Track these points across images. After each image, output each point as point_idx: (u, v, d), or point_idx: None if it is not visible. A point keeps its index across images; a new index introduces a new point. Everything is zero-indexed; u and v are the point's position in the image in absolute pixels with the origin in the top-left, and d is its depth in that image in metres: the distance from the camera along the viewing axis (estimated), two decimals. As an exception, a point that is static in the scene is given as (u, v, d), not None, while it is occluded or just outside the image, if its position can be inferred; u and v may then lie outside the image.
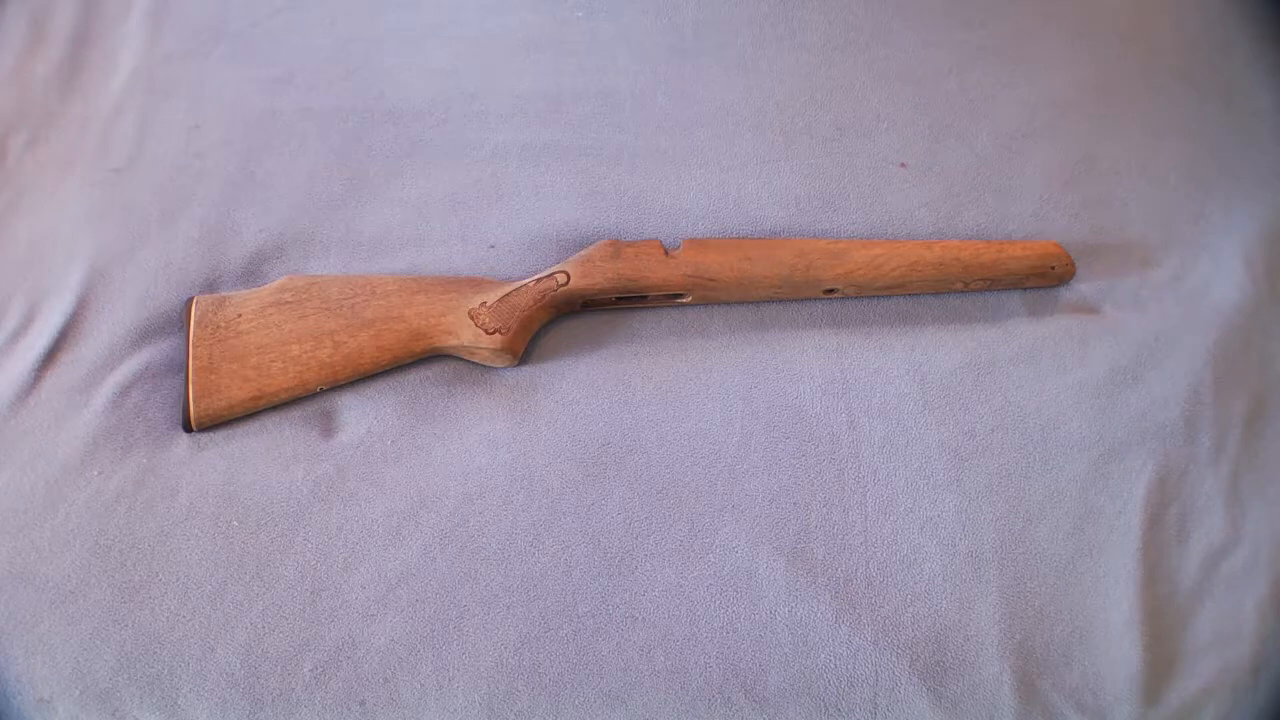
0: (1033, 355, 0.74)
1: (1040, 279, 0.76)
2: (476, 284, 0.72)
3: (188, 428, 0.68)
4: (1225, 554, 0.68)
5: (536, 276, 0.72)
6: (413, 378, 0.72)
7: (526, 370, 0.72)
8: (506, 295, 0.71)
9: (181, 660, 0.62)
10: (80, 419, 0.68)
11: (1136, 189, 0.81)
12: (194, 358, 0.68)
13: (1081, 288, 0.77)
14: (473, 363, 0.72)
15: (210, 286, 0.74)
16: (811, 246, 0.74)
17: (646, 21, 0.88)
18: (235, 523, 0.66)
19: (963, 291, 0.76)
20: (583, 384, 0.72)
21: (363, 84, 0.84)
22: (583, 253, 0.73)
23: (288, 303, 0.71)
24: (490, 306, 0.70)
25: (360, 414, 0.70)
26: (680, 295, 0.73)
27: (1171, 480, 0.70)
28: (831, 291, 0.74)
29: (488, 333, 0.70)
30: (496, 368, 0.72)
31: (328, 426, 0.70)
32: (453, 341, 0.70)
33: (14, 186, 0.77)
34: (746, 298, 0.75)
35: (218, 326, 0.69)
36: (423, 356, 0.71)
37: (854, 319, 0.75)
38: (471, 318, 0.70)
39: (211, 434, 0.68)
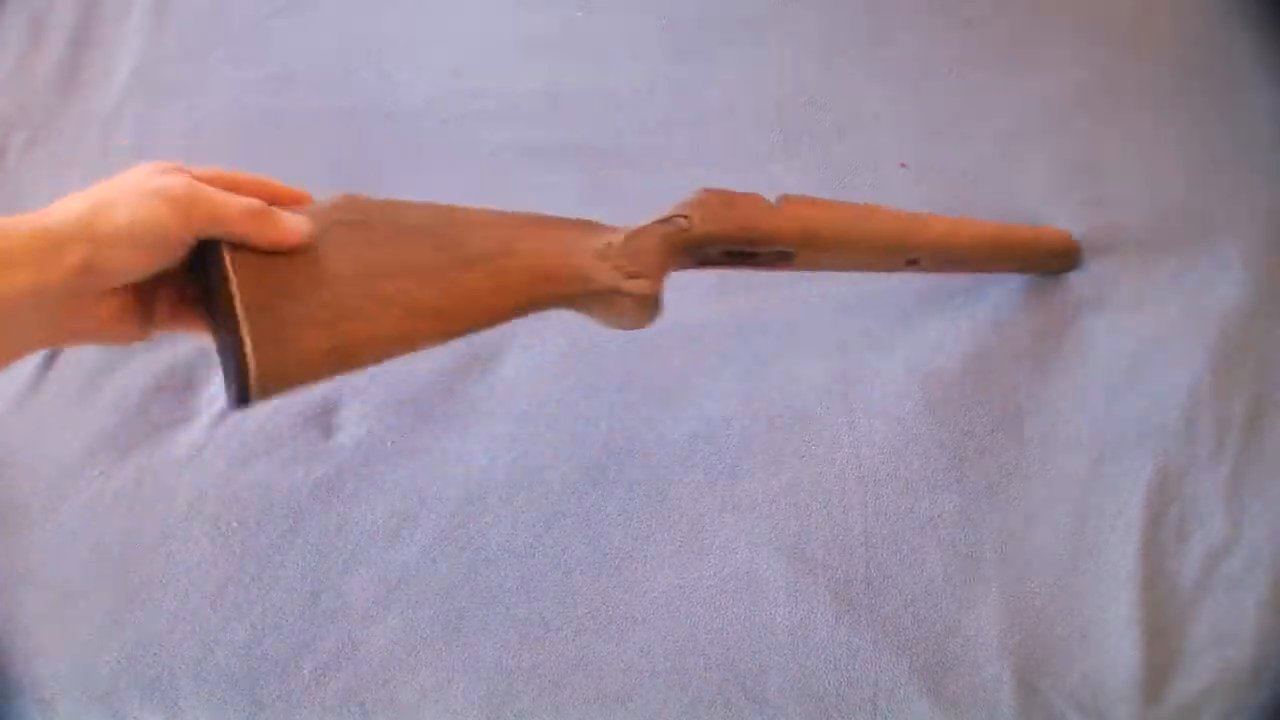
0: (1033, 355, 0.74)
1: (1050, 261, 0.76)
2: (580, 225, 0.58)
3: (244, 397, 0.42)
4: (1225, 554, 0.68)
5: (654, 218, 0.60)
6: (413, 378, 0.72)
7: (526, 370, 0.72)
8: (633, 236, 0.58)
9: (181, 661, 0.62)
10: (81, 419, 0.69)
11: (1136, 189, 0.81)
12: (240, 295, 0.43)
13: (1082, 287, 0.77)
14: (598, 322, 0.59)
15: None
16: (895, 212, 0.68)
17: (646, 21, 0.88)
18: (235, 523, 0.66)
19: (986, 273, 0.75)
20: (583, 384, 0.72)
21: (363, 84, 0.84)
22: (690, 199, 0.61)
23: (357, 223, 0.49)
24: (618, 248, 0.57)
25: (360, 414, 0.70)
26: (788, 255, 0.64)
27: (1171, 480, 0.70)
28: (914, 263, 0.69)
29: (629, 277, 0.57)
30: (623, 327, 0.59)
31: (328, 426, 0.70)
32: (589, 287, 0.55)
33: (14, 186, 0.77)
34: (842, 266, 0.68)
35: (265, 253, 0.45)
36: (546, 308, 0.54)
37: (854, 319, 0.75)
38: (602, 259, 0.56)
39: (211, 433, 0.68)
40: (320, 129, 0.81)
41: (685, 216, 0.60)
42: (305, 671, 0.62)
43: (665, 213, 0.60)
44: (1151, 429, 0.71)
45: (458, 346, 0.72)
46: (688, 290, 0.75)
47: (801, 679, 0.63)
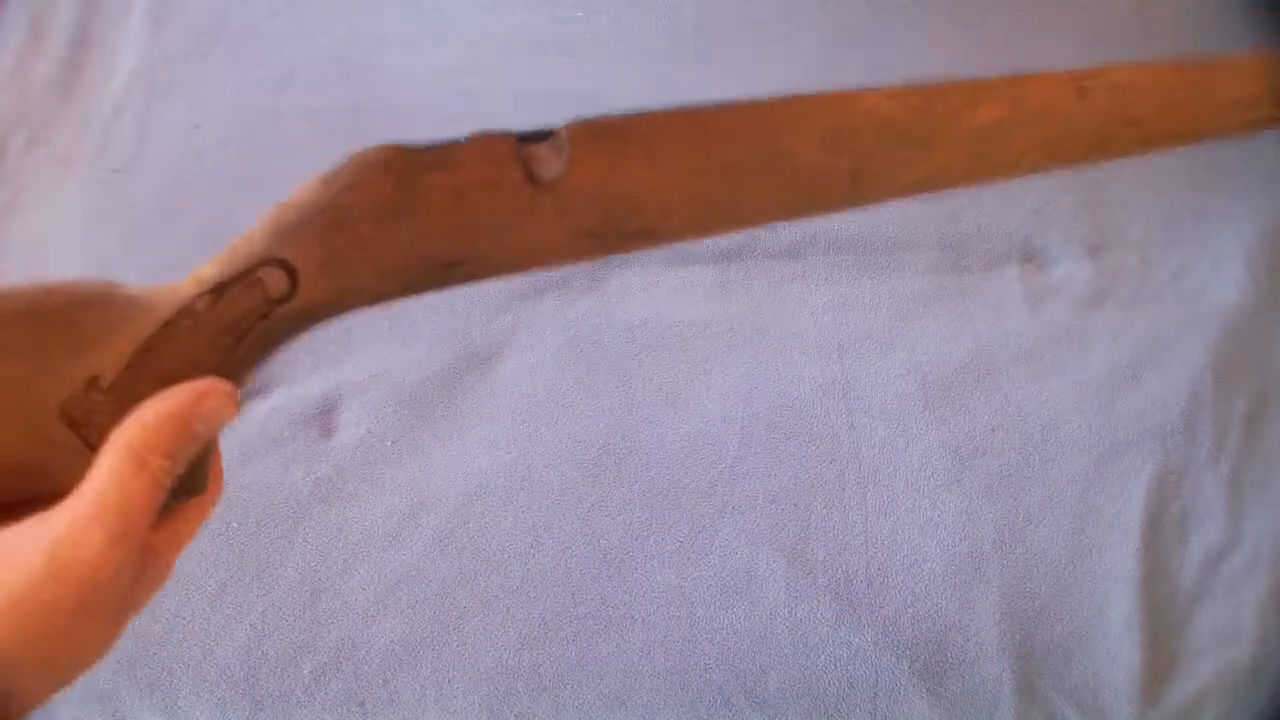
0: (1033, 355, 0.74)
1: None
2: (83, 309, 0.30)
3: None
4: (1225, 554, 0.68)
5: (214, 278, 0.32)
6: (412, 378, 0.72)
7: (526, 370, 0.72)
8: (150, 347, 0.31)
9: (181, 662, 0.62)
10: (80, 419, 0.68)
11: (1136, 189, 0.81)
12: None
13: (1082, 286, 0.77)
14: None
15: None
16: (858, 116, 0.37)
17: (646, 21, 0.88)
18: (235, 523, 0.66)
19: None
20: (583, 384, 0.72)
21: (363, 84, 0.84)
22: (313, 195, 0.32)
23: None
24: (115, 382, 0.30)
25: (360, 414, 0.70)
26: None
27: (1171, 480, 0.70)
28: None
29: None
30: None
31: (327, 426, 0.70)
32: (49, 488, 0.29)
33: (14, 186, 0.77)
34: (710, 234, 0.38)
35: None
36: None
37: (854, 319, 0.75)
38: (72, 423, 0.30)
39: (211, 434, 0.68)
40: (320, 129, 0.81)
41: (280, 265, 0.32)
42: (305, 671, 0.62)
43: (229, 266, 0.32)
44: (1151, 429, 0.71)
45: (457, 346, 0.72)
46: (687, 290, 0.75)
47: (801, 679, 0.63)
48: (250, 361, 0.33)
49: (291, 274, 0.32)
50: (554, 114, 0.89)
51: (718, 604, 0.65)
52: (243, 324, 0.32)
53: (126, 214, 0.76)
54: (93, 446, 0.30)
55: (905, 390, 0.72)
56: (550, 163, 0.33)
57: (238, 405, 0.33)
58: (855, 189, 0.36)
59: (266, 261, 0.32)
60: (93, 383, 0.30)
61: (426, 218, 0.32)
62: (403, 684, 0.62)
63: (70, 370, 0.30)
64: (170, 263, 0.78)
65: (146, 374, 0.31)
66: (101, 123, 0.81)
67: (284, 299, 0.32)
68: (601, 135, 0.34)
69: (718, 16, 0.88)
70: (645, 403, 0.71)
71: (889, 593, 0.66)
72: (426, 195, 0.31)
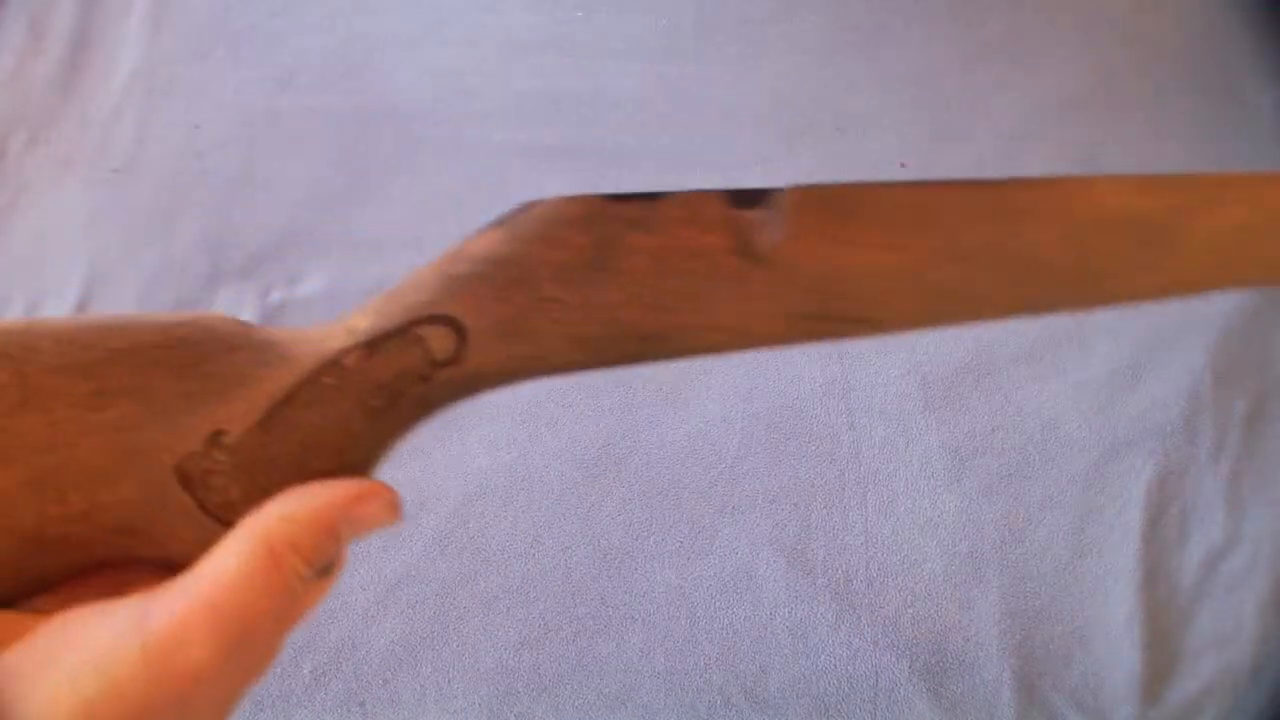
0: (1033, 355, 0.74)
1: None
2: (208, 350, 0.26)
3: None
4: (1225, 554, 0.68)
5: (368, 330, 0.27)
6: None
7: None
8: (287, 402, 0.27)
9: (182, 661, 0.62)
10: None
11: (1137, 189, 0.81)
12: None
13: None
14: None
15: (210, 286, 0.74)
16: (1097, 207, 0.31)
17: (646, 21, 0.88)
18: (235, 523, 0.66)
19: None
20: (583, 384, 0.72)
21: (363, 84, 0.84)
22: (492, 245, 0.27)
23: None
24: (242, 440, 0.27)
25: (360, 414, 0.70)
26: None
27: (1171, 480, 0.70)
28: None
29: (223, 521, 0.27)
30: None
31: (328, 427, 0.70)
32: (153, 552, 0.27)
33: (14, 186, 0.77)
34: (935, 327, 0.32)
35: None
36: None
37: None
38: (187, 481, 0.27)
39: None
40: (320, 129, 0.81)
41: (447, 320, 0.27)
42: (305, 671, 0.62)
43: (387, 318, 0.27)
44: (1151, 429, 0.71)
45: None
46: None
47: (801, 679, 0.63)
48: (400, 430, 0.29)
49: (460, 333, 0.27)
50: (554, 114, 0.89)
51: (718, 604, 0.65)
52: (397, 386, 0.28)
53: (126, 214, 0.77)
54: (207, 510, 0.26)
55: (905, 390, 0.72)
56: (766, 232, 0.29)
57: (399, 514, 0.29)
58: (1090, 289, 0.32)
59: (432, 317, 0.27)
60: (216, 438, 0.26)
61: (624, 282, 0.28)
62: (403, 684, 0.62)
63: (189, 421, 0.26)
64: (170, 263, 0.79)
65: (279, 433, 0.27)
66: (101, 123, 0.81)
67: (448, 361, 0.28)
68: (825, 205, 0.29)
69: (718, 16, 0.88)
70: (645, 403, 0.71)
71: (889, 593, 0.66)
72: (625, 257, 0.28)
